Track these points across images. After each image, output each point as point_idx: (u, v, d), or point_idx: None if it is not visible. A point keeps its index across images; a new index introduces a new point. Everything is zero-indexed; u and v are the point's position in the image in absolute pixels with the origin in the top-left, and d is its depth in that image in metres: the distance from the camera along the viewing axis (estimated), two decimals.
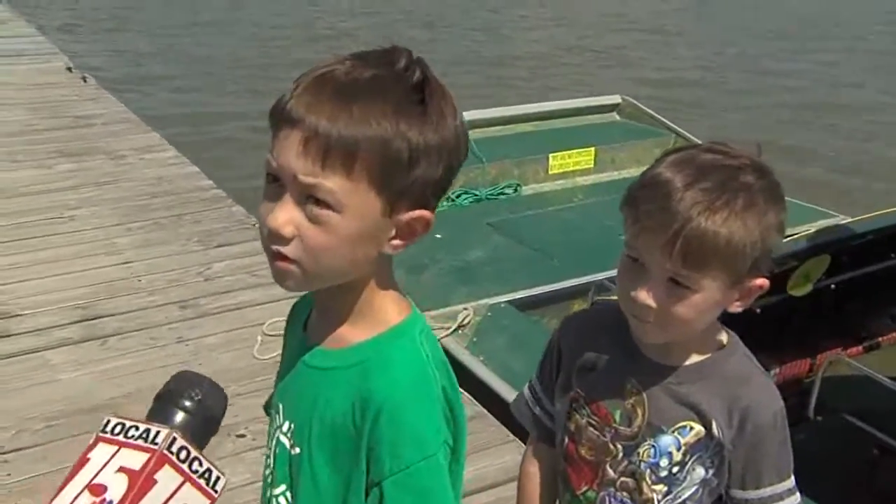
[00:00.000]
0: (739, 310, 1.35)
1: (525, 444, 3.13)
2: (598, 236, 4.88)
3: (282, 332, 4.01)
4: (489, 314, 3.90)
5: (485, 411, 3.29)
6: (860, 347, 3.70)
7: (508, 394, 3.36)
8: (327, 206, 1.02)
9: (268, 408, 1.37)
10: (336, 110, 1.01)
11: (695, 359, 1.39)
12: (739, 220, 1.24)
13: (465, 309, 3.86)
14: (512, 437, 3.21)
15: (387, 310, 1.15)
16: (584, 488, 1.48)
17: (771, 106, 9.86)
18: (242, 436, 3.19)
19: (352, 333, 1.14)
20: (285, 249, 1.04)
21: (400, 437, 1.07)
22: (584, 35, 13.54)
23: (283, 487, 1.18)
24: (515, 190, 5.35)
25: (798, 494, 1.41)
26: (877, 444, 2.86)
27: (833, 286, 3.41)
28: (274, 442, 1.21)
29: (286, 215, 1.03)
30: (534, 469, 1.61)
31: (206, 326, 3.96)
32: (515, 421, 3.37)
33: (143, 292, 4.20)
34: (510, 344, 3.75)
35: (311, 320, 1.22)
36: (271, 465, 1.21)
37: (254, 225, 5.00)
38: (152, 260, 4.52)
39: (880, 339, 3.79)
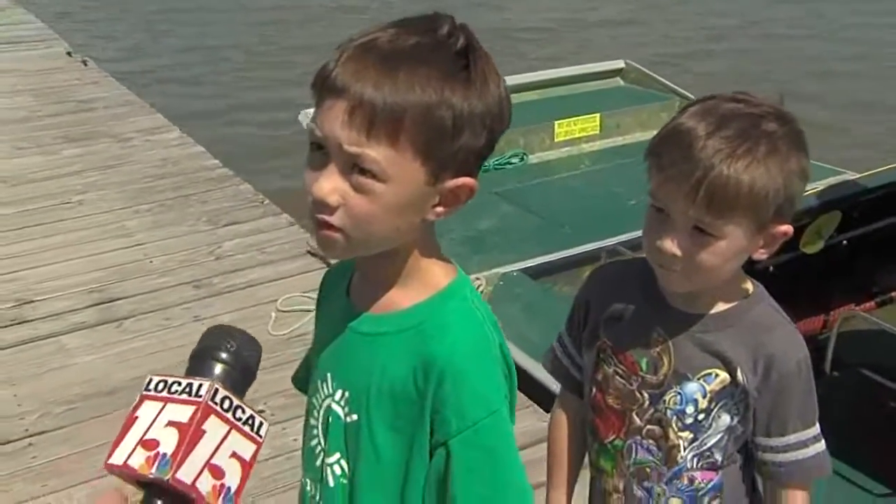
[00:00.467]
0: (764, 257, 1.37)
1: (543, 410, 3.17)
2: (606, 202, 4.89)
3: (294, 307, 4.04)
4: (501, 283, 3.91)
5: None
6: (873, 303, 3.72)
7: (524, 361, 3.37)
8: (372, 175, 1.03)
9: (298, 380, 1.37)
10: (381, 78, 1.00)
11: (720, 307, 1.40)
12: (762, 166, 1.26)
13: (478, 279, 3.87)
14: (530, 402, 3.23)
15: (434, 273, 1.15)
16: (612, 437, 1.50)
17: (775, 69, 9.80)
18: (261, 411, 3.19)
19: (401, 298, 1.15)
20: (331, 218, 1.05)
21: (465, 397, 1.08)
22: (586, 3, 13.43)
23: (337, 456, 1.19)
24: (522, 159, 5.34)
25: (822, 441, 1.43)
26: (893, 397, 2.88)
27: (844, 242, 3.41)
28: (322, 412, 1.21)
29: (331, 184, 1.04)
30: (563, 420, 1.64)
31: (220, 305, 3.98)
32: (533, 387, 3.40)
33: (154, 273, 4.22)
34: (524, 311, 3.76)
35: (355, 287, 1.22)
36: (319, 435, 1.21)
37: (262, 202, 5.02)
38: (162, 241, 4.54)
39: (893, 293, 3.80)
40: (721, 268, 1.34)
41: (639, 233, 4.13)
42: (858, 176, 3.68)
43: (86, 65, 7.77)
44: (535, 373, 3.37)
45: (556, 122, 5.47)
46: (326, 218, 1.05)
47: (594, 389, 1.52)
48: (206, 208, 4.93)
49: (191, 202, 5.01)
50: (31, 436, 3.13)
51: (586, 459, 1.65)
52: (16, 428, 3.17)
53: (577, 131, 5.55)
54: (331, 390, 1.20)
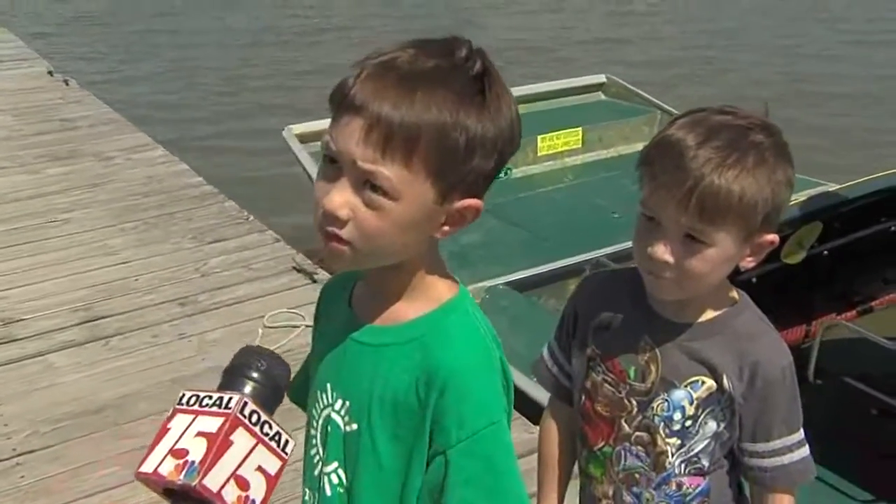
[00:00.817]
0: (751, 265, 1.40)
1: (531, 422, 3.18)
2: (590, 215, 4.94)
3: (281, 323, 4.04)
4: (487, 296, 3.94)
5: None
6: (854, 312, 3.76)
7: (512, 372, 3.40)
8: (383, 192, 1.05)
9: (294, 391, 1.36)
10: (399, 98, 1.03)
11: (706, 316, 1.44)
12: (751, 176, 1.29)
13: None
14: (518, 415, 3.25)
15: (437, 287, 1.18)
16: (601, 444, 1.53)
17: (756, 82, 9.92)
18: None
19: (405, 310, 1.17)
20: (340, 231, 1.07)
21: (465, 407, 1.11)
22: (567, 20, 13.55)
23: (335, 465, 1.20)
24: (506, 173, 5.36)
25: (807, 447, 1.46)
26: (876, 405, 2.92)
27: (825, 252, 3.46)
28: (321, 421, 1.22)
29: (342, 198, 1.06)
30: (553, 428, 1.67)
31: (207, 322, 3.99)
32: (521, 399, 3.41)
33: (141, 291, 4.22)
34: (510, 324, 3.79)
35: (358, 298, 1.24)
36: (318, 444, 1.23)
37: (247, 219, 5.03)
38: (148, 259, 4.54)
39: (872, 303, 3.85)
40: (710, 275, 1.36)
41: (623, 245, 4.19)
42: (838, 187, 3.74)
43: (67, 84, 7.76)
44: (522, 385, 3.39)
45: (539, 137, 5.52)
46: (336, 231, 1.07)
47: (583, 397, 1.54)
48: (191, 226, 4.94)
49: (175, 220, 5.02)
50: (18, 455, 3.12)
51: (576, 467, 1.67)
52: (3, 447, 3.16)
53: (560, 145, 5.60)
54: (330, 400, 1.21)
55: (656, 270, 1.37)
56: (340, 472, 1.20)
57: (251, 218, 5.03)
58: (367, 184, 1.05)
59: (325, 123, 4.43)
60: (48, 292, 4.19)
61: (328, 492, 1.21)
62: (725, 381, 1.40)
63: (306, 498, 1.26)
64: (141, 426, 3.28)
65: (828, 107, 8.90)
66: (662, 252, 1.34)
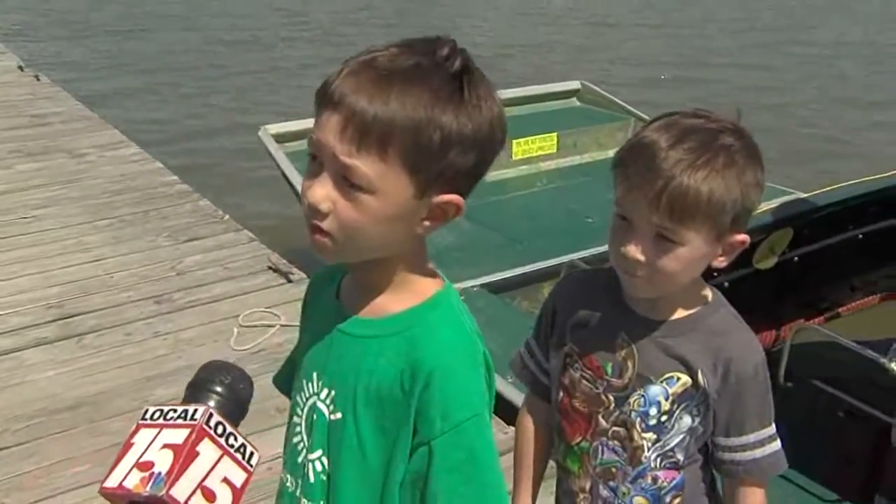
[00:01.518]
0: (723, 264, 1.44)
1: (505, 422, 3.22)
2: (564, 219, 4.98)
3: (256, 322, 4.04)
4: (462, 298, 3.96)
5: None
6: (822, 318, 3.84)
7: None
8: (361, 186, 1.08)
9: (280, 378, 1.40)
10: (375, 94, 1.06)
11: (681, 314, 1.48)
12: (720, 177, 1.34)
13: None
14: (492, 414, 3.28)
15: (423, 282, 1.21)
16: (578, 439, 1.56)
17: (726, 89, 10.05)
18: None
19: (391, 304, 1.20)
20: (322, 223, 1.11)
21: (449, 399, 1.13)
22: (542, 26, 13.63)
23: (319, 453, 1.23)
24: None
25: (778, 441, 1.50)
26: (843, 408, 2.98)
27: (796, 258, 3.53)
28: (306, 409, 1.25)
29: (323, 191, 1.10)
30: (529, 423, 1.70)
31: (182, 320, 3.98)
32: (496, 400, 3.43)
33: (115, 289, 4.20)
34: (484, 325, 3.77)
35: (345, 291, 1.27)
36: (302, 433, 1.25)
37: (222, 218, 5.02)
38: (122, 256, 4.51)
39: (840, 308, 3.94)
40: (682, 273, 1.40)
41: (597, 249, 4.24)
42: (809, 194, 3.82)
43: (38, 79, 7.68)
44: (497, 386, 3.43)
45: (514, 141, 5.55)
46: (318, 223, 1.11)
47: (561, 393, 1.57)
48: (166, 224, 4.91)
49: (150, 218, 4.99)
50: None
51: (551, 463, 1.71)
52: None
53: (535, 150, 5.64)
54: (316, 389, 1.24)
55: (630, 269, 1.41)
56: (324, 459, 1.22)
57: (226, 217, 5.02)
58: (345, 178, 1.09)
59: (301, 124, 4.45)
60: (21, 289, 4.15)
61: (311, 478, 1.23)
62: (700, 376, 1.44)
63: (287, 484, 1.28)
64: (115, 424, 3.26)
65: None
66: (634, 251, 1.38)
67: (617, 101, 6.05)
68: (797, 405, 3.04)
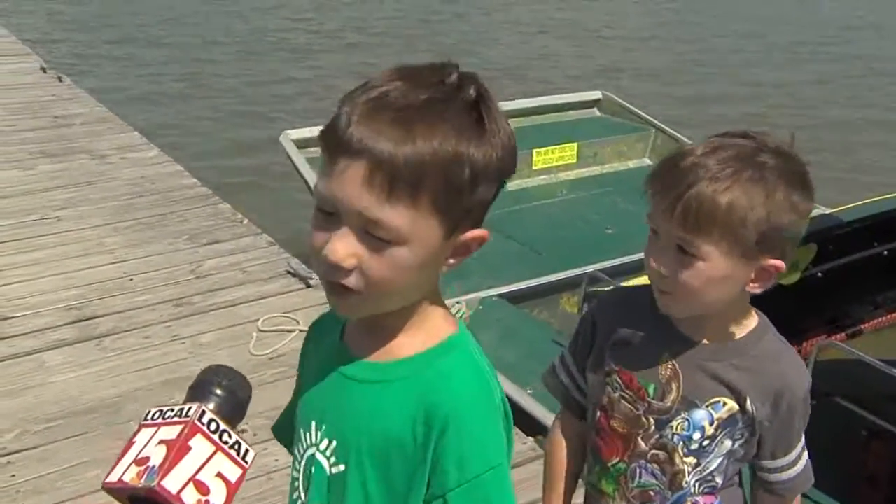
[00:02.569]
0: (757, 291, 1.39)
1: (525, 433, 3.21)
2: (584, 230, 4.98)
3: (275, 327, 4.03)
4: (481, 307, 3.96)
5: None
6: (843, 334, 3.81)
7: (504, 383, 3.43)
8: (390, 238, 1.00)
9: (278, 429, 1.33)
10: (398, 136, 0.98)
11: (728, 337, 1.45)
12: (741, 189, 1.29)
13: (458, 302, 3.92)
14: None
15: (437, 323, 1.13)
16: (615, 460, 1.53)
17: (749, 102, 10.01)
18: (243, 430, 3.20)
19: (403, 346, 1.12)
20: (346, 281, 1.02)
21: (467, 449, 1.06)
22: (562, 37, 13.62)
23: None
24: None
25: (806, 450, 1.50)
26: (866, 427, 2.95)
27: (819, 274, 3.50)
28: (304, 462, 1.17)
29: (346, 248, 1.01)
30: (562, 438, 1.67)
31: (201, 324, 3.98)
32: (512, 409, 3.43)
33: (135, 292, 4.20)
34: (503, 335, 3.81)
35: (351, 332, 1.17)
36: (299, 487, 1.17)
37: (241, 221, 5.02)
38: (142, 259, 4.52)
39: (862, 325, 3.90)
40: (706, 292, 1.36)
41: (618, 260, 4.22)
42: (834, 210, 3.79)
43: (61, 80, 7.72)
44: (514, 396, 3.43)
45: (535, 151, 5.55)
46: (342, 281, 1.02)
47: (599, 412, 1.54)
48: (185, 227, 4.92)
49: (170, 220, 5.00)
50: (9, 454, 3.10)
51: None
52: None
53: (555, 160, 5.64)
54: (314, 440, 1.16)
55: (657, 284, 1.39)
56: None
57: (245, 221, 5.03)
58: (370, 232, 1.00)
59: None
60: (41, 290, 4.16)
61: None
62: (749, 404, 1.42)
63: None
64: (132, 427, 3.23)
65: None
66: (656, 264, 1.36)
67: (638, 111, 6.03)
68: (819, 423, 3.00)
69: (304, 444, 1.17)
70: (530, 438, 3.24)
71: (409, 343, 1.12)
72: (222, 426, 1.04)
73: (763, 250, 1.33)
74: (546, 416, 3.19)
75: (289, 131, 5.24)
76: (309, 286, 4.28)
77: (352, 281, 1.02)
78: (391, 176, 0.97)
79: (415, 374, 1.10)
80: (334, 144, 1.00)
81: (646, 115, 5.98)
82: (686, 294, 1.36)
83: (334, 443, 1.13)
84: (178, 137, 7.92)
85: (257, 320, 3.97)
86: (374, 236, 1.00)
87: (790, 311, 3.68)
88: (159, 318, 4.00)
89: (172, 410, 1.06)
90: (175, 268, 4.45)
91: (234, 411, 1.09)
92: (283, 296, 4.23)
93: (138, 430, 1.06)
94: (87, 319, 3.95)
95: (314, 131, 5.25)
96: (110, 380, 3.55)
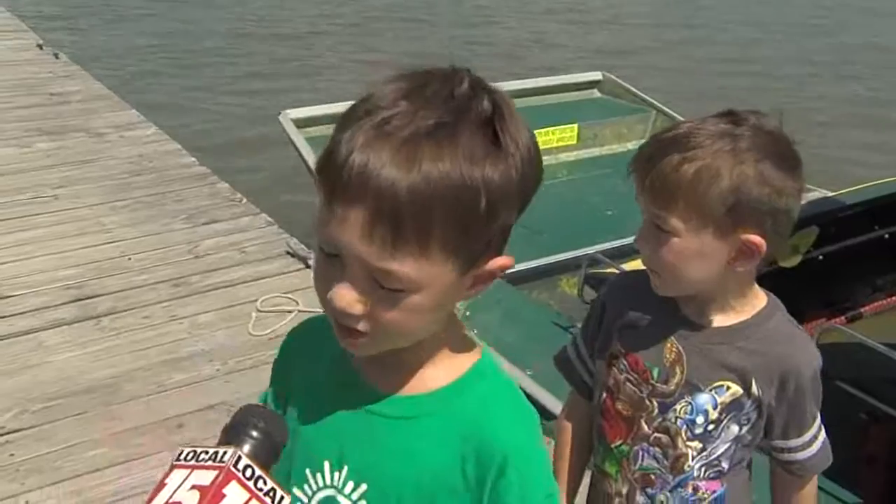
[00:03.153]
0: (741, 269, 1.35)
1: None
2: (584, 212, 4.95)
3: (275, 308, 4.03)
4: None
5: None
6: (843, 318, 3.80)
7: (506, 367, 3.44)
8: (400, 289, 0.91)
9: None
10: (400, 173, 0.86)
11: (734, 319, 1.43)
12: (707, 160, 1.27)
13: None
14: None
15: (461, 349, 1.05)
16: (618, 442, 1.53)
17: (748, 87, 9.97)
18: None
19: (428, 378, 1.03)
20: (356, 325, 0.95)
21: (528, 483, 1.00)
22: (562, 18, 13.55)
23: None
24: None
25: (823, 429, 1.49)
26: (866, 410, 2.95)
27: (820, 257, 3.49)
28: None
29: (354, 295, 0.92)
30: (570, 421, 1.66)
31: (199, 304, 3.97)
32: None
33: (133, 271, 4.19)
34: (503, 317, 3.80)
35: (365, 364, 1.06)
36: None
37: (240, 201, 5.00)
38: (140, 238, 4.50)
39: (862, 309, 3.89)
40: (684, 268, 1.34)
41: (618, 242, 4.19)
42: (835, 193, 3.77)
43: (57, 58, 7.68)
44: (514, 377, 3.43)
45: (535, 132, 5.51)
46: (351, 325, 0.95)
47: (604, 394, 1.54)
48: (183, 206, 4.90)
49: (168, 200, 4.98)
50: (8, 433, 3.10)
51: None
52: None
53: (555, 141, 5.60)
54: (334, 481, 1.06)
55: (645, 263, 1.39)
56: None
57: (244, 200, 5.01)
58: (379, 281, 0.91)
59: (322, 109, 4.40)
60: (38, 269, 4.15)
61: None
62: (755, 386, 1.40)
63: None
64: (131, 407, 3.27)
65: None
66: (638, 241, 1.36)
67: (638, 93, 5.99)
68: (822, 406, 3.01)
69: (315, 485, 1.08)
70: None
71: (434, 374, 1.03)
72: (258, 472, 1.00)
73: (737, 224, 1.30)
74: (546, 398, 3.18)
75: (288, 111, 5.20)
76: (308, 266, 4.27)
77: (363, 325, 0.94)
78: (395, 224, 0.87)
79: (450, 407, 1.02)
80: (331, 184, 0.89)
81: (646, 97, 5.94)
82: (668, 272, 1.36)
83: (364, 486, 1.04)
84: (176, 116, 7.87)
85: (256, 300, 3.96)
86: (381, 288, 0.91)
87: (790, 293, 3.66)
88: (158, 297, 3.98)
89: (207, 453, 1.01)
90: (173, 247, 4.43)
91: (269, 455, 1.04)
92: (282, 276, 4.22)
93: (170, 471, 1.02)
94: (85, 299, 3.93)
95: (313, 111, 5.25)
96: (109, 359, 3.54)
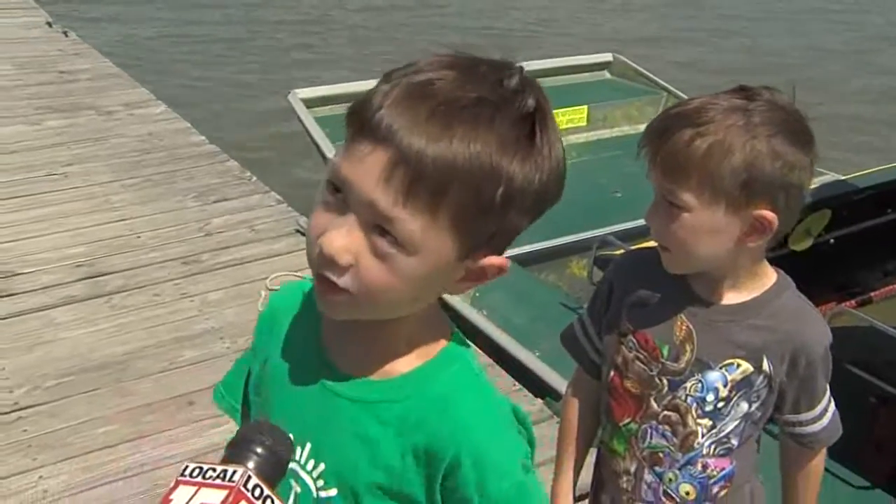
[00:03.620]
0: (753, 245, 1.34)
1: (534, 395, 3.22)
2: (594, 193, 4.94)
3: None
4: None
5: (491, 361, 3.36)
6: (853, 301, 3.80)
7: (510, 345, 3.46)
8: (398, 243, 0.88)
9: (230, 392, 1.21)
10: (432, 134, 0.85)
11: (745, 297, 1.42)
12: (722, 135, 1.27)
13: None
14: (519, 385, 3.29)
15: (434, 334, 1.02)
16: (627, 420, 1.53)
17: (757, 68, 9.91)
18: None
19: (397, 362, 1.01)
20: (338, 279, 0.91)
21: (486, 477, 0.98)
22: (573, 6, 13.46)
23: None
24: None
25: (829, 393, 1.49)
26: (875, 392, 2.95)
27: (831, 241, 3.49)
28: (291, 482, 1.05)
29: (345, 241, 0.89)
30: (576, 399, 1.67)
31: (209, 282, 3.98)
32: (522, 372, 3.45)
33: (143, 249, 4.20)
34: (511, 298, 3.81)
35: (333, 335, 1.04)
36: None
37: (250, 179, 5.01)
38: (150, 216, 4.51)
39: (872, 293, 3.89)
40: (695, 244, 1.34)
41: (628, 224, 4.18)
42: (848, 177, 3.76)
43: (67, 35, 7.66)
44: (523, 359, 3.44)
45: None
46: (333, 278, 0.91)
47: (612, 372, 1.54)
48: (193, 184, 4.91)
49: (177, 178, 4.98)
50: (21, 409, 3.12)
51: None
52: (4, 401, 3.16)
53: (565, 122, 5.57)
54: (296, 456, 1.05)
55: (656, 240, 1.39)
56: None
57: (254, 179, 5.01)
58: (379, 228, 0.88)
59: (331, 89, 4.40)
60: (49, 246, 4.16)
61: None
62: (766, 363, 1.40)
63: None
64: (142, 384, 3.28)
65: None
66: (650, 218, 1.36)
67: (649, 74, 5.96)
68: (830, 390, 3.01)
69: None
70: (539, 400, 3.26)
71: (401, 359, 1.01)
72: (266, 491, 0.99)
73: (749, 199, 1.29)
74: (554, 378, 3.20)
75: (297, 90, 5.18)
76: None
77: (344, 281, 0.90)
78: (414, 175, 0.85)
79: (411, 396, 0.99)
80: (360, 124, 0.88)
81: (657, 79, 5.91)
82: (679, 248, 1.35)
83: (322, 465, 1.03)
84: (186, 94, 7.86)
85: (266, 279, 3.96)
86: (379, 235, 0.88)
87: (801, 277, 3.66)
88: (168, 275, 3.99)
89: (214, 471, 1.00)
90: (183, 226, 4.44)
91: (274, 471, 1.03)
92: (291, 254, 4.21)
93: (175, 487, 1.00)
94: (95, 276, 3.94)
95: (323, 90, 5.24)
96: (119, 337, 3.55)
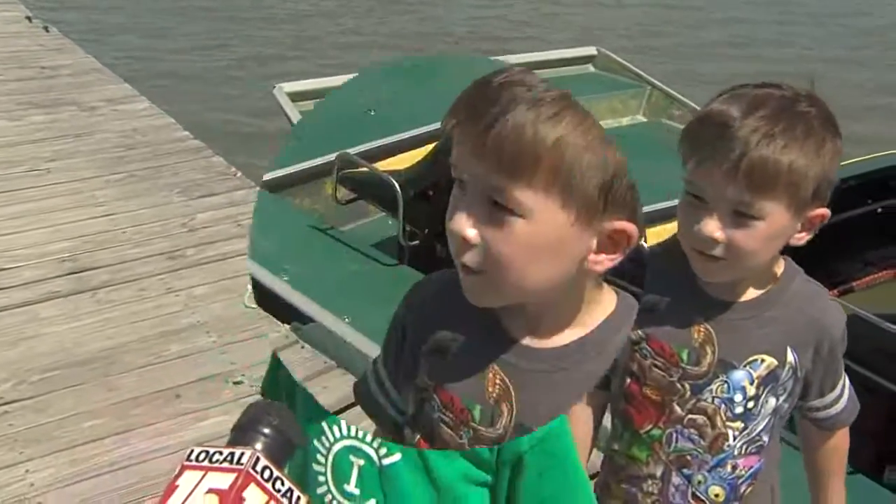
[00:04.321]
0: (802, 242, 1.34)
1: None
2: None
3: None
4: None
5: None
6: (835, 292, 3.82)
7: (260, 272, 3.64)
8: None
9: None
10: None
11: (759, 291, 1.39)
12: (800, 146, 1.25)
13: None
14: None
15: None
16: (649, 427, 1.47)
17: (744, 58, 9.96)
18: (240, 382, 3.24)
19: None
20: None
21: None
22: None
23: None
24: None
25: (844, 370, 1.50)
26: (859, 381, 2.98)
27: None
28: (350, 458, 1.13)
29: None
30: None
31: (194, 277, 3.97)
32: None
33: (128, 244, 4.19)
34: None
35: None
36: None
37: (235, 174, 5.00)
38: (134, 212, 4.49)
39: (854, 283, 3.92)
40: (761, 252, 1.31)
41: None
42: None
43: (47, 31, 7.60)
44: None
45: None
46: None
47: (628, 380, 1.47)
48: (177, 180, 4.89)
49: (162, 173, 4.96)
50: (6, 403, 3.11)
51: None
52: None
53: None
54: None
55: (706, 248, 1.31)
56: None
57: (239, 174, 5.00)
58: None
59: (316, 83, 4.44)
60: (33, 242, 4.14)
61: None
62: (790, 354, 1.38)
63: None
64: (127, 379, 3.28)
65: None
66: (711, 229, 1.28)
67: (633, 68, 5.98)
68: None
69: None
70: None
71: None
72: (275, 473, 0.98)
73: (814, 201, 1.30)
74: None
75: (282, 84, 5.19)
76: None
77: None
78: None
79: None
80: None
81: (640, 72, 5.93)
82: (741, 257, 1.30)
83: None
84: (169, 89, 7.83)
85: (250, 273, 3.96)
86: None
87: None
88: (153, 270, 3.98)
89: (221, 454, 0.98)
90: (168, 221, 4.43)
91: (282, 452, 1.02)
92: None
93: (181, 472, 0.98)
94: (80, 272, 3.93)
95: (308, 84, 5.23)
96: (105, 331, 3.54)
